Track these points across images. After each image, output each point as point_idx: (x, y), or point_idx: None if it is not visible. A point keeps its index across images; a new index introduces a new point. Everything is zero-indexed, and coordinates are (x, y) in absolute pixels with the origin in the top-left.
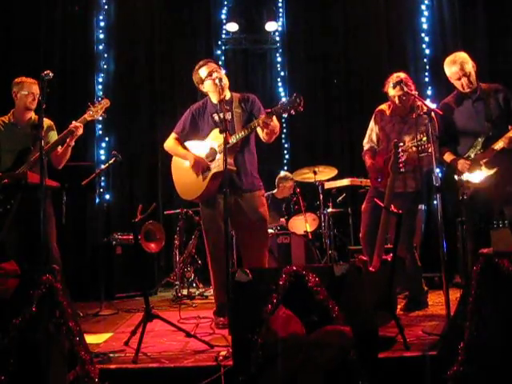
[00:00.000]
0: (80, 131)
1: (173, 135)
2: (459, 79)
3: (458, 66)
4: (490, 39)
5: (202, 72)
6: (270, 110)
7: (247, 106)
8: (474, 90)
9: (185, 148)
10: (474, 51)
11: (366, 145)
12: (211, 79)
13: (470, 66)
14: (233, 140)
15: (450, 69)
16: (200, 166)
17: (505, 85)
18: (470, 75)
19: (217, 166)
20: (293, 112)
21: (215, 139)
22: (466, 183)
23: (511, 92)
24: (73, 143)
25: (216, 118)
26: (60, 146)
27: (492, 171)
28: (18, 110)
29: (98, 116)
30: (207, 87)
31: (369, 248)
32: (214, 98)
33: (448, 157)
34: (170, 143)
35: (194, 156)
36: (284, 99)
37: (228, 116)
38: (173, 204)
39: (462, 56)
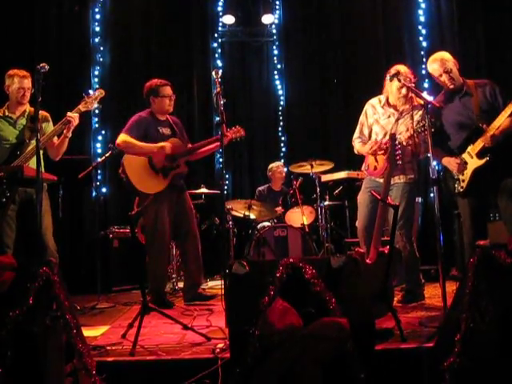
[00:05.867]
0: (76, 121)
1: (127, 136)
2: (440, 76)
3: (438, 63)
4: (487, 31)
5: (167, 90)
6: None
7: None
8: (459, 86)
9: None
10: (471, 43)
11: (356, 139)
12: (170, 100)
13: (450, 64)
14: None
15: (432, 66)
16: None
17: (502, 77)
18: (451, 72)
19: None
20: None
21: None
22: (461, 176)
23: (498, 85)
24: (70, 134)
25: (161, 131)
26: (56, 138)
27: (482, 161)
28: (11, 103)
29: (93, 106)
30: (159, 104)
31: (367, 239)
32: (159, 114)
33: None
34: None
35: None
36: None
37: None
38: None
39: (443, 54)
